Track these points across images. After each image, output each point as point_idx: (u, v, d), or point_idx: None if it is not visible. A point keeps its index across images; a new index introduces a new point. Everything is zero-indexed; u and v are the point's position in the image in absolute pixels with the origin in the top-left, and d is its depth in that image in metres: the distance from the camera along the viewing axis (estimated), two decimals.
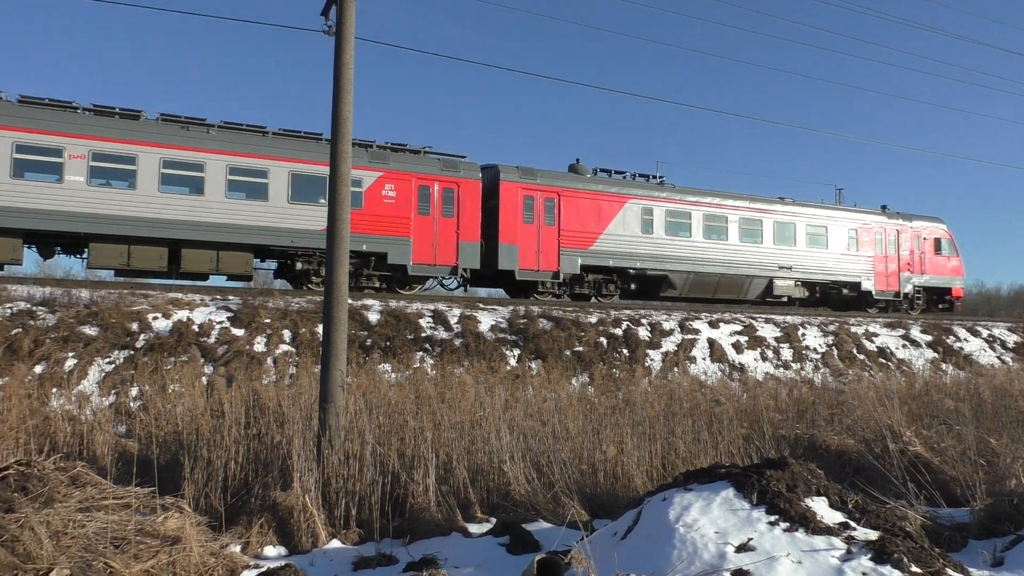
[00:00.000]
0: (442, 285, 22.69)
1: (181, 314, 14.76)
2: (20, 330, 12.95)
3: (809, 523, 5.30)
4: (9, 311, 13.54)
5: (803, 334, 20.84)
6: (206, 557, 5.97)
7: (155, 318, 14.42)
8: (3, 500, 5.55)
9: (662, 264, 24.57)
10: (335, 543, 7.01)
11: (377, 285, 21.05)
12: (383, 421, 8.37)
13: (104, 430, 8.57)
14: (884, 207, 30.25)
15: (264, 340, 14.67)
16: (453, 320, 17.20)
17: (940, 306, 30.28)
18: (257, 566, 6.25)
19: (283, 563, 6.29)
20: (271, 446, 7.86)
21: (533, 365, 16.23)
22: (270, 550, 6.81)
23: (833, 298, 28.21)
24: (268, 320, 15.29)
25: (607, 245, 23.79)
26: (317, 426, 8.10)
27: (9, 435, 7.77)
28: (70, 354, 12.71)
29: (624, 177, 25.31)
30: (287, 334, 15.08)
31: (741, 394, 13.82)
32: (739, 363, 18.58)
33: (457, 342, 16.30)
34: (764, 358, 19.13)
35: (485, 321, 17.53)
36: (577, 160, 25.06)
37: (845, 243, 28.09)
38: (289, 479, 7.27)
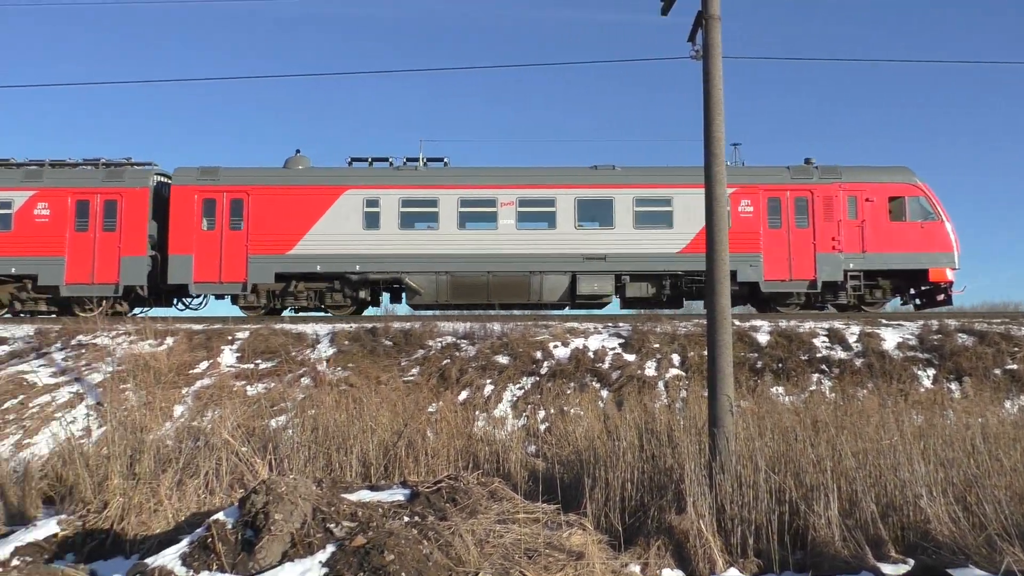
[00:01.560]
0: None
1: (578, 342, 15.83)
2: (448, 361, 15.02)
3: None
4: (440, 344, 15.79)
5: None
6: (607, 575, 6.25)
7: (555, 346, 15.66)
8: (438, 509, 6.44)
9: (395, 265, 19.92)
10: (733, 572, 6.84)
11: (44, 309, 20.00)
12: (776, 447, 8.01)
13: (516, 450, 9.50)
14: (807, 160, 21.25)
15: (654, 365, 15.05)
16: (852, 338, 15.89)
17: (939, 297, 20.13)
18: None
19: None
20: (664, 469, 7.98)
21: (953, 386, 14.26)
22: (667, 573, 6.89)
23: (695, 294, 20.56)
24: (657, 345, 15.67)
25: (313, 247, 19.91)
26: (707, 451, 8.05)
27: (442, 452, 9.03)
28: (487, 381, 14.38)
29: (389, 164, 20.88)
30: (676, 358, 15.28)
31: None
32: None
33: (858, 362, 15.00)
34: None
35: (890, 338, 15.89)
36: (297, 151, 21.47)
37: (686, 217, 20.27)
38: (682, 503, 7.30)
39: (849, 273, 20.28)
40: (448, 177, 20.75)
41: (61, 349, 15.57)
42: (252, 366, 14.78)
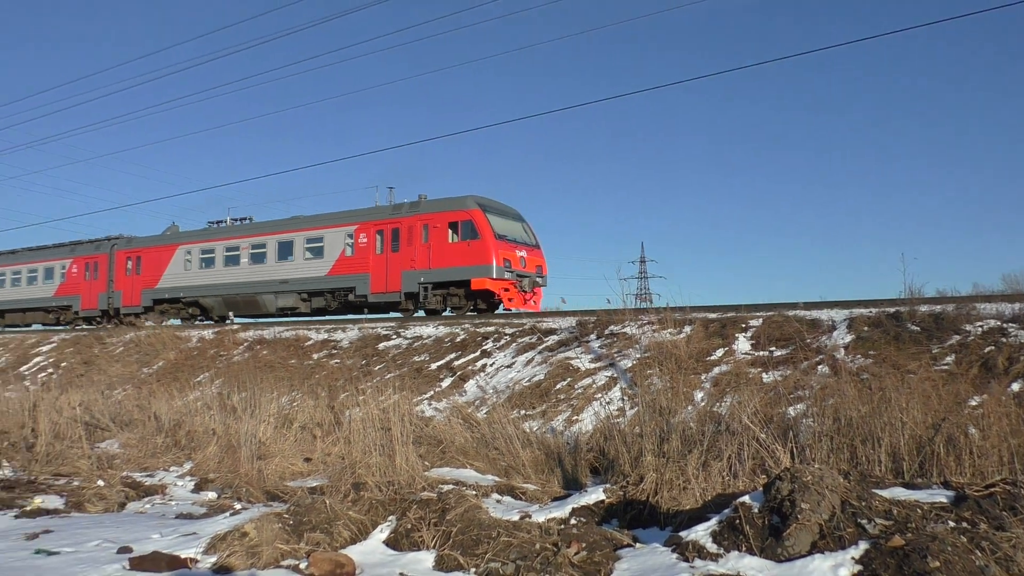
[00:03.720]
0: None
1: None
2: (993, 348, 12.97)
3: None
4: (980, 329, 13.73)
5: None
6: None
7: None
8: (993, 517, 5.58)
9: (197, 292, 31.56)
10: None
11: (83, 324, 36.27)
12: None
13: None
14: (421, 196, 26.78)
15: None
16: None
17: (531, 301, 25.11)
18: None
19: None
20: None
21: None
22: None
23: (335, 305, 27.70)
24: None
25: (165, 283, 32.76)
26: None
27: (991, 452, 7.81)
28: None
29: (237, 222, 32.14)
30: None
31: None
32: None
33: None
34: None
35: None
36: (173, 223, 35.27)
37: (341, 249, 27.47)
38: None
39: (422, 285, 25.08)
40: (220, 234, 31.51)
41: (597, 338, 17.62)
42: (766, 353, 14.78)
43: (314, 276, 28.05)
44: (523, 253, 25.20)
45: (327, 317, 26.92)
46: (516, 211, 26.98)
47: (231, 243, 30.94)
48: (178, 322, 32.77)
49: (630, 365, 15.39)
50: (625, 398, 13.76)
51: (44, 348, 29.38)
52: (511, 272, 24.35)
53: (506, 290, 24.22)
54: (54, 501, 9.65)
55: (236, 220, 32.61)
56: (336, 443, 11.51)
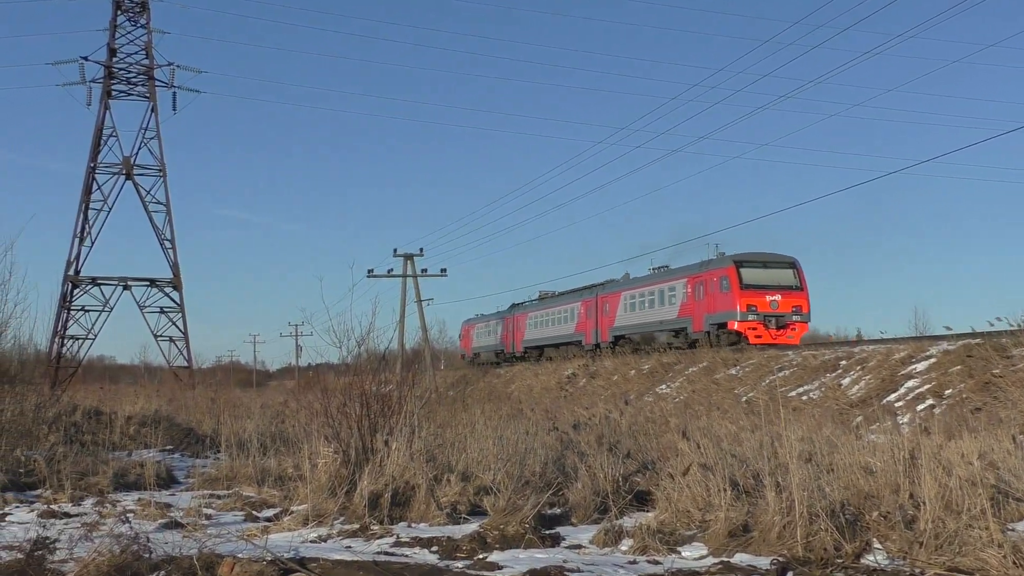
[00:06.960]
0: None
1: None
2: None
3: None
4: None
5: None
6: None
7: None
8: None
9: (628, 330, 45.02)
10: None
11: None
12: None
13: None
14: (721, 254, 38.48)
15: None
16: None
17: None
18: None
19: None
20: None
21: None
22: None
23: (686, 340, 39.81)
24: None
25: (617, 323, 46.13)
26: None
27: None
28: None
29: (654, 271, 45.46)
30: None
31: None
32: None
33: None
34: None
35: None
36: (627, 274, 48.79)
37: (681, 297, 39.90)
38: None
39: (711, 325, 37.19)
40: (635, 284, 45.89)
41: None
42: None
43: (672, 318, 40.94)
44: (775, 297, 34.98)
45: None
46: (788, 259, 36.87)
47: (641, 290, 44.39)
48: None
49: None
50: None
51: (918, 366, 23.69)
52: (756, 315, 34.76)
53: (752, 329, 34.82)
54: None
55: (659, 268, 44.80)
56: None
